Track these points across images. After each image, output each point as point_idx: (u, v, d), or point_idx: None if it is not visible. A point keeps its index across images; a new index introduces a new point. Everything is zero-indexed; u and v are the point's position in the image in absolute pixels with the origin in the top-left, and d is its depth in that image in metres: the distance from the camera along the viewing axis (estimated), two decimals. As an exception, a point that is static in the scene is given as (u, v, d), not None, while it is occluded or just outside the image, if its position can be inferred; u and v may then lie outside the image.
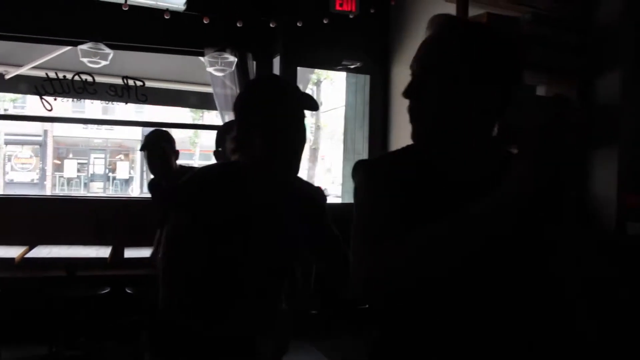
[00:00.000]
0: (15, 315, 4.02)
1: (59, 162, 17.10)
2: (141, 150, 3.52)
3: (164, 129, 3.87)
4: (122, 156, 18.04)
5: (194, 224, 1.45)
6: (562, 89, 3.02)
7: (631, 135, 2.77)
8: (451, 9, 3.00)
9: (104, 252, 3.93)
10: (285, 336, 1.74)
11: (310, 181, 1.90)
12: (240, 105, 1.55)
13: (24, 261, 3.78)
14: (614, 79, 2.80)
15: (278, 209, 1.57)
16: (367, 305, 4.86)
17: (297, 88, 1.62)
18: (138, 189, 16.59)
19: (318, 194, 1.73)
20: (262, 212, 1.54)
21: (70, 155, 17.41)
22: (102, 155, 17.55)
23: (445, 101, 1.05)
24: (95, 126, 16.81)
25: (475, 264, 0.98)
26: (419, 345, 1.09)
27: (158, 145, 3.38)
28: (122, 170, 17.37)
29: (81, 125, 16.29)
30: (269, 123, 1.48)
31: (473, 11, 2.89)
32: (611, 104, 2.80)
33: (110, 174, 17.32)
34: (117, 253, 3.92)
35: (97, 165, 17.52)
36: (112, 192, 16.43)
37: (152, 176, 3.78)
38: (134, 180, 17.57)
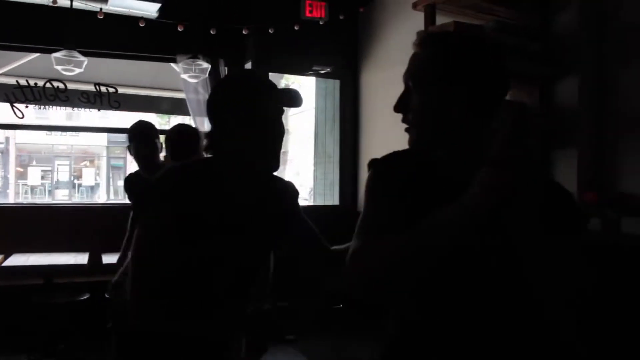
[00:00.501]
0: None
1: (21, 169, 16.76)
2: (131, 139, 3.29)
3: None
4: (87, 163, 17.77)
5: (166, 224, 1.41)
6: (525, 94, 3.19)
7: (588, 137, 2.95)
8: (419, 18, 3.15)
9: (81, 258, 3.96)
10: (263, 336, 1.70)
11: None
12: (215, 102, 1.50)
13: (1, 269, 3.78)
14: (572, 84, 2.97)
15: (252, 206, 1.54)
16: (341, 305, 4.94)
17: (274, 85, 1.55)
18: (104, 196, 16.37)
19: (290, 188, 1.69)
20: (236, 210, 1.51)
21: (34, 163, 17.07)
22: (67, 162, 17.25)
23: (431, 111, 1.13)
24: (59, 132, 16.52)
25: (461, 266, 1.07)
26: (427, 343, 1.16)
27: (148, 135, 3.20)
28: (88, 177, 17.11)
29: (44, 132, 16.01)
30: (248, 120, 1.44)
31: (440, 20, 3.03)
32: (570, 108, 2.97)
33: (76, 181, 17.04)
34: (94, 259, 3.95)
35: (62, 172, 17.22)
36: (78, 199, 16.16)
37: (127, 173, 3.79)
38: (100, 187, 17.33)
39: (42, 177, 16.73)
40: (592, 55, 2.96)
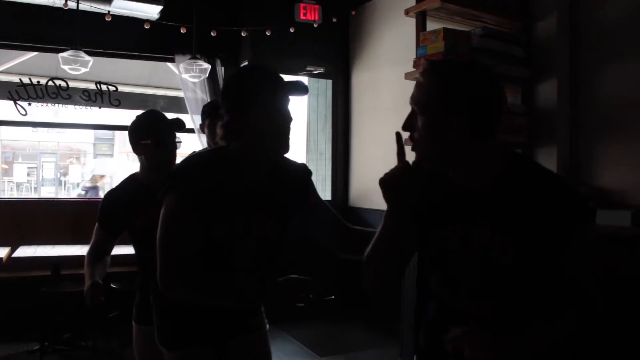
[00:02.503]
0: (4, 313, 4.18)
1: (6, 166, 16.67)
2: (146, 134, 2.29)
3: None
4: (73, 159, 17.72)
5: (189, 205, 1.53)
6: (508, 95, 3.43)
7: (565, 135, 3.20)
8: (410, 23, 3.37)
9: (86, 250, 4.11)
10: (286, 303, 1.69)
11: None
12: (230, 93, 1.62)
13: (10, 261, 3.94)
14: (551, 85, 3.22)
15: (268, 186, 1.67)
16: (332, 297, 5.17)
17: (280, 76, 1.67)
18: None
19: (304, 169, 1.83)
20: (254, 190, 1.64)
21: (20, 159, 16.99)
22: (53, 159, 17.19)
23: (433, 133, 1.27)
24: (45, 129, 16.46)
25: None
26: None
27: (169, 127, 2.34)
28: (75, 174, 17.07)
29: (30, 128, 15.94)
30: (266, 109, 1.57)
31: (430, 25, 3.24)
32: (549, 108, 3.21)
33: (62, 178, 16.99)
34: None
35: (48, 169, 17.16)
36: (64, 196, 16.14)
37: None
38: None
39: (28, 174, 16.66)
40: (568, 59, 3.22)
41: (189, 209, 1.53)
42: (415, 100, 1.30)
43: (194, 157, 1.78)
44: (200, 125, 3.26)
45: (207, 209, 1.55)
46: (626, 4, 2.98)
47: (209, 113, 3.14)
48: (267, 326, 1.98)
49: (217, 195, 1.56)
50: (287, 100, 1.63)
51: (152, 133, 2.25)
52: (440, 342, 1.20)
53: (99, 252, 2.38)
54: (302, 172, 1.82)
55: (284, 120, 1.61)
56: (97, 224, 2.37)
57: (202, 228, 1.55)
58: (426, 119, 1.27)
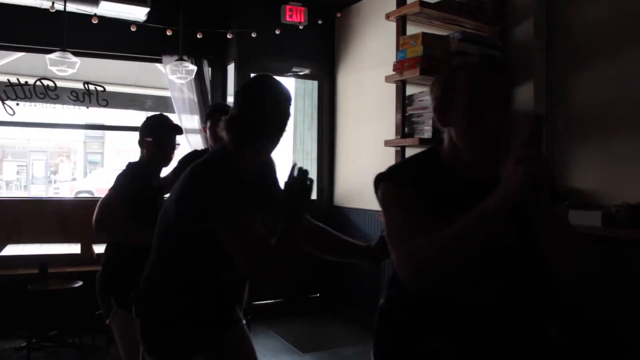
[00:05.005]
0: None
1: (-5, 164, 16.63)
2: (150, 133, 2.73)
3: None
4: (63, 157, 17.70)
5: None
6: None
7: (543, 136, 3.29)
8: (391, 27, 3.45)
9: (74, 249, 4.18)
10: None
11: None
12: (244, 99, 1.76)
13: (-2, 259, 4.00)
14: (527, 89, 3.31)
15: (267, 181, 1.91)
16: (318, 294, 5.24)
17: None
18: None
19: (273, 162, 2.03)
20: (250, 190, 1.74)
21: (9, 157, 16.97)
22: (43, 157, 17.17)
23: (460, 126, 1.36)
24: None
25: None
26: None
27: (171, 131, 2.77)
28: (65, 172, 17.06)
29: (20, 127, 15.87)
30: (278, 117, 1.75)
31: (410, 30, 3.32)
32: (526, 110, 3.30)
33: (52, 176, 16.97)
34: (86, 250, 4.17)
35: (38, 167, 17.14)
36: (53, 194, 16.12)
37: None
38: (77, 182, 17.26)
39: (18, 172, 16.63)
40: (545, 63, 3.32)
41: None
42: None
43: (208, 159, 1.80)
44: (204, 126, 3.30)
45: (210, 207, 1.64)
46: (600, 9, 3.07)
47: (209, 115, 3.16)
48: (243, 320, 2.07)
49: (222, 196, 1.64)
50: (288, 108, 1.80)
51: (154, 133, 2.69)
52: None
53: None
54: (274, 166, 2.01)
55: (285, 127, 1.80)
56: (113, 193, 2.65)
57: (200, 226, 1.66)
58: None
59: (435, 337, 1.37)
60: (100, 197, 2.78)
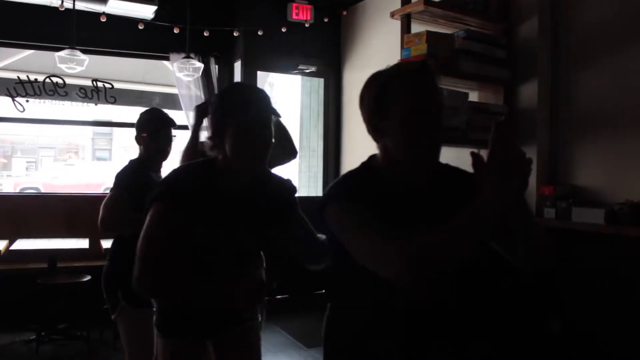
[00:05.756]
0: (2, 304, 4.30)
1: (5, 160, 16.74)
2: (144, 128, 2.76)
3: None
4: (72, 154, 17.81)
5: (173, 215, 1.61)
6: (491, 95, 3.54)
7: (545, 135, 3.30)
8: (396, 24, 3.46)
9: (82, 243, 4.24)
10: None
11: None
12: (214, 109, 1.68)
13: (8, 253, 4.06)
14: (532, 87, 3.32)
15: (250, 202, 1.74)
16: (323, 290, 5.27)
17: (266, 94, 1.73)
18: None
19: (285, 185, 1.88)
20: (233, 204, 1.71)
21: (18, 154, 17.09)
22: (52, 154, 17.29)
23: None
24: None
25: None
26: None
27: (164, 124, 2.77)
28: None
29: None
30: (237, 127, 1.63)
31: (415, 28, 3.34)
32: (530, 108, 3.31)
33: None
34: (95, 244, 4.23)
35: (46, 163, 17.24)
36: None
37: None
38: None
39: (27, 168, 16.74)
40: (549, 61, 3.32)
41: (171, 219, 1.61)
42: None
43: (182, 169, 1.88)
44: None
45: (190, 220, 1.63)
46: (605, 7, 3.07)
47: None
48: (260, 317, 2.08)
49: (199, 208, 1.64)
50: (263, 121, 1.67)
51: (148, 128, 2.71)
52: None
53: None
54: (285, 189, 1.87)
55: (255, 141, 1.65)
56: (115, 192, 2.63)
57: (183, 238, 1.63)
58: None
59: (381, 342, 1.37)
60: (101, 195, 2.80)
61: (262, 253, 2.68)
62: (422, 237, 1.17)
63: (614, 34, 3.03)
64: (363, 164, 1.51)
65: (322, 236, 1.81)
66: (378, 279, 1.23)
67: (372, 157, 1.50)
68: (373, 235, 1.25)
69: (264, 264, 2.66)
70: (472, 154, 1.21)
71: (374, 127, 1.40)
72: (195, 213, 1.64)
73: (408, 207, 1.34)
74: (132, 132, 2.79)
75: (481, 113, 3.26)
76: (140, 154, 2.75)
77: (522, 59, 3.37)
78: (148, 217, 1.64)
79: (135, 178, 2.63)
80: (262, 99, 1.70)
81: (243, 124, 1.64)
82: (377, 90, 1.38)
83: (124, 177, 2.64)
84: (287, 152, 2.95)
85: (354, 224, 1.31)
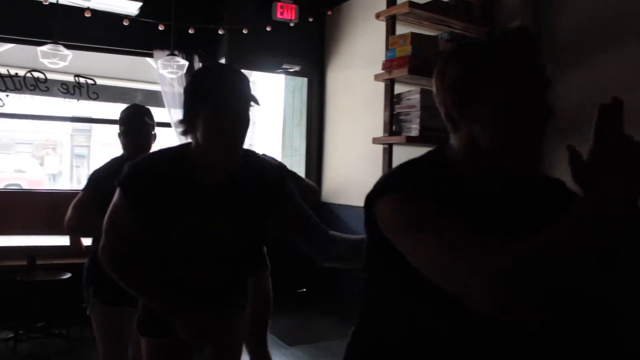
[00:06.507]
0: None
1: (-19, 156, 16.47)
2: (121, 124, 2.69)
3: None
4: (50, 150, 17.58)
5: (129, 205, 1.55)
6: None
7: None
8: (382, 26, 3.50)
9: (62, 240, 4.19)
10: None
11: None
12: (187, 91, 1.56)
13: (-15, 250, 4.01)
14: (513, 89, 3.38)
15: (227, 191, 1.60)
16: (304, 289, 5.24)
17: (245, 77, 1.57)
18: (68, 184, 16.28)
19: (278, 172, 1.75)
20: (209, 196, 1.58)
21: (-5, 149, 16.83)
22: (29, 149, 17.06)
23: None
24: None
25: None
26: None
27: (141, 119, 2.67)
28: (51, 165, 16.95)
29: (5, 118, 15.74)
30: (209, 110, 1.49)
31: (400, 29, 3.38)
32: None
33: (39, 168, 16.85)
34: (75, 242, 4.18)
35: (23, 159, 17.00)
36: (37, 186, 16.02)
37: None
38: (62, 175, 17.18)
39: None
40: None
41: (128, 208, 1.56)
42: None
43: (150, 156, 1.74)
44: None
45: (152, 211, 1.55)
46: (586, 10, 3.14)
47: None
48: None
49: (163, 198, 1.54)
50: (237, 105, 1.52)
51: (127, 124, 2.60)
52: None
53: None
54: (276, 175, 1.73)
55: (229, 132, 1.52)
56: (85, 193, 2.50)
57: (144, 228, 1.58)
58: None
59: None
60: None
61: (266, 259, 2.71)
62: (523, 246, 0.86)
63: (595, 37, 3.09)
64: (424, 159, 1.16)
65: (335, 233, 1.73)
66: (445, 301, 0.93)
67: (436, 151, 1.17)
68: (456, 239, 0.92)
69: (269, 270, 2.73)
70: (569, 147, 0.93)
71: (458, 112, 1.07)
72: (161, 206, 1.55)
73: (494, 214, 1.05)
74: (112, 128, 2.74)
75: (464, 114, 3.32)
76: (123, 152, 2.68)
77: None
78: (112, 203, 1.60)
79: (111, 180, 2.52)
80: (239, 80, 1.54)
81: (215, 108, 1.49)
82: (466, 65, 1.06)
83: (98, 177, 2.53)
84: (312, 194, 2.97)
85: (425, 222, 0.97)
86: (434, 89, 1.12)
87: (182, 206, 1.57)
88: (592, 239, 0.84)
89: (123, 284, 1.61)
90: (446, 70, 1.09)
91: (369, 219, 1.07)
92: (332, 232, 1.74)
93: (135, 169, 1.59)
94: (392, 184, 1.07)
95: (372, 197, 1.07)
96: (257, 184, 1.65)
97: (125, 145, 2.63)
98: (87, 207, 2.47)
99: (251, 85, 1.58)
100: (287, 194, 1.72)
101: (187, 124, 1.55)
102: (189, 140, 1.61)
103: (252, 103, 1.54)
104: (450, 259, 0.91)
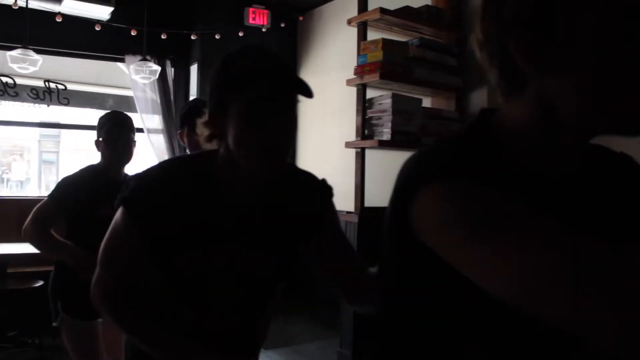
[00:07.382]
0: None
1: (-54, 163, 16.07)
2: (101, 131, 2.51)
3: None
4: (16, 156, 17.24)
5: (134, 230, 1.21)
6: (444, 101, 3.68)
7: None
8: (353, 31, 3.56)
9: (34, 248, 4.13)
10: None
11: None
12: (214, 81, 1.18)
13: (-46, 258, 3.93)
14: (482, 93, 3.48)
15: (259, 214, 1.26)
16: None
17: (289, 67, 1.21)
18: (36, 190, 15.99)
19: (321, 189, 1.35)
20: (237, 218, 1.24)
21: (-40, 156, 16.44)
22: (-5, 156, 16.70)
23: None
24: (-13, 125, 15.91)
25: None
26: None
27: (123, 128, 2.51)
28: (18, 172, 16.62)
29: (-29, 124, 15.36)
30: (243, 106, 1.11)
31: (371, 35, 3.44)
32: (480, 114, 3.46)
33: (4, 175, 16.51)
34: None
35: (-11, 166, 16.64)
36: (7, 193, 15.69)
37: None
38: (30, 182, 16.86)
39: (-32, 172, 16.11)
40: (498, 70, 3.48)
41: (132, 232, 1.21)
42: None
43: (162, 167, 1.33)
44: (179, 133, 2.49)
45: (163, 237, 1.21)
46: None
47: (185, 118, 2.44)
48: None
49: (179, 220, 1.20)
50: (285, 103, 1.15)
51: (105, 132, 2.48)
52: None
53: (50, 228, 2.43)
54: (317, 194, 1.35)
55: (271, 132, 1.13)
56: (49, 202, 2.41)
57: (149, 258, 1.24)
58: None
59: None
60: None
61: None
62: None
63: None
64: (468, 135, 0.79)
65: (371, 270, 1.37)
66: (508, 339, 0.72)
67: (480, 124, 0.80)
68: (574, 250, 0.59)
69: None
70: None
71: (526, 60, 0.70)
72: (176, 229, 1.20)
73: (576, 207, 0.75)
74: (81, 134, 2.71)
75: (434, 118, 3.41)
76: (100, 160, 2.53)
77: (473, 67, 3.51)
78: (111, 224, 1.25)
79: (80, 192, 2.38)
80: (283, 66, 1.17)
81: (251, 103, 1.11)
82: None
83: (67, 187, 2.41)
84: None
85: (512, 225, 0.63)
86: (476, 32, 0.77)
87: (204, 231, 1.22)
88: None
89: (118, 326, 1.30)
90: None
91: (397, 221, 0.74)
92: (365, 270, 1.38)
93: (143, 182, 1.23)
94: (437, 172, 0.70)
95: (404, 188, 0.73)
96: (298, 206, 1.31)
97: (104, 154, 2.49)
98: (47, 219, 2.39)
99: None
100: (330, 221, 1.37)
101: (213, 126, 1.18)
102: (214, 146, 1.24)
103: (300, 97, 1.16)
104: (572, 279, 0.57)
